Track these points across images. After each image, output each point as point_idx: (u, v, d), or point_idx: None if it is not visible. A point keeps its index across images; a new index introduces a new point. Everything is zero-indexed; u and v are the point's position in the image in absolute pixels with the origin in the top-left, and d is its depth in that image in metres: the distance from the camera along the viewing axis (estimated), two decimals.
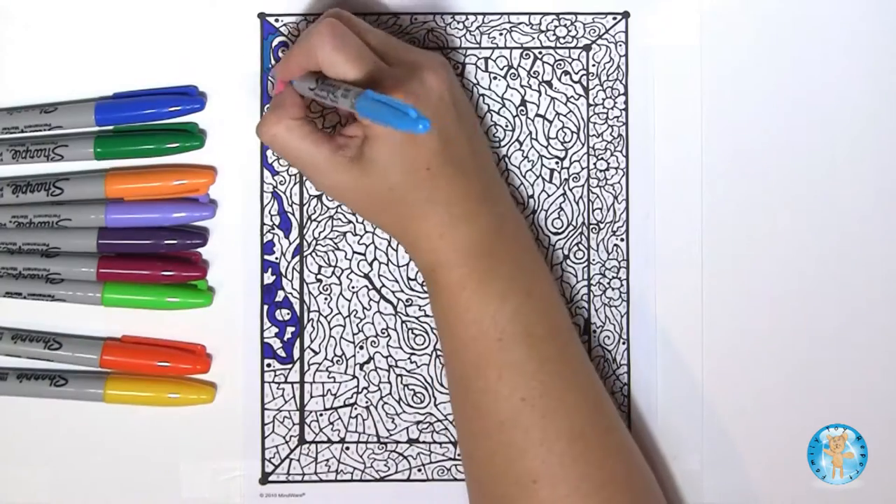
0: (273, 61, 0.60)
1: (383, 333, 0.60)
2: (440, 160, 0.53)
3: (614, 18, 0.60)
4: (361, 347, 0.60)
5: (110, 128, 0.59)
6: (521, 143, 0.60)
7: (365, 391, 0.60)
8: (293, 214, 0.60)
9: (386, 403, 0.60)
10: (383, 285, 0.60)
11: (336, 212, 0.60)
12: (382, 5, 0.60)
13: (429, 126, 0.46)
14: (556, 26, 0.60)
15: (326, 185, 0.55)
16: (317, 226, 0.60)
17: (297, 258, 0.60)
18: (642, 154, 0.60)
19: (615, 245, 0.60)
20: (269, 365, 0.60)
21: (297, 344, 0.60)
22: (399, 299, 0.60)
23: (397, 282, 0.60)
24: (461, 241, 0.54)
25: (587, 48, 0.60)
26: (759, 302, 0.60)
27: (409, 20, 0.60)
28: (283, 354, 0.60)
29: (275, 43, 0.60)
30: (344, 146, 0.54)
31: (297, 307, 0.60)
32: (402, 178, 0.53)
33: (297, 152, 0.54)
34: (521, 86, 0.60)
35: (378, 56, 0.54)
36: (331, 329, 0.60)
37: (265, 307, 0.60)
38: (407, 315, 0.60)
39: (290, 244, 0.60)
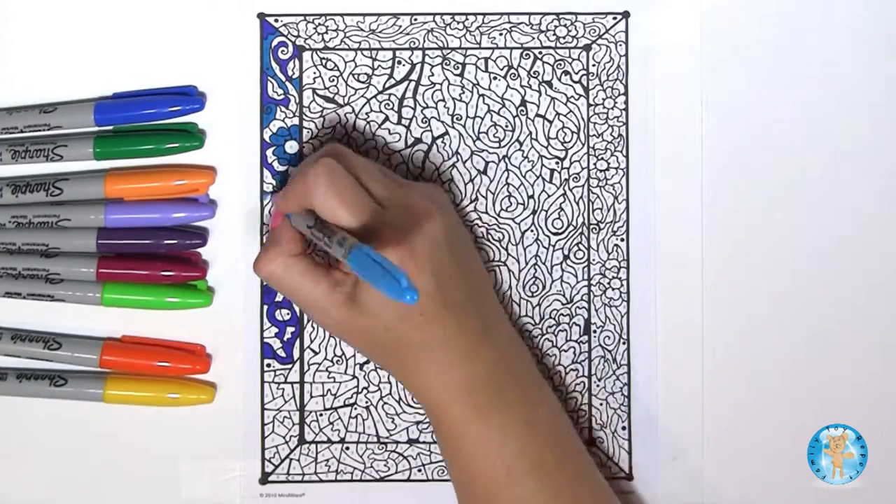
0: (273, 62, 0.60)
1: None
2: (435, 304, 0.53)
3: (614, 18, 0.60)
4: None
5: (110, 128, 0.59)
6: (521, 144, 0.60)
7: (365, 391, 0.60)
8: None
9: (386, 403, 0.60)
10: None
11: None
12: (383, 5, 0.60)
13: (416, 298, 0.45)
14: (556, 26, 0.60)
15: (324, 322, 0.55)
16: None
17: None
18: (642, 154, 0.60)
19: (615, 245, 0.60)
20: (268, 365, 0.60)
21: (297, 344, 0.60)
22: None
23: None
24: (459, 381, 0.54)
25: (587, 48, 0.60)
26: (760, 302, 0.60)
27: (409, 20, 0.60)
28: (283, 354, 0.60)
29: (274, 43, 0.60)
30: (341, 283, 0.54)
31: (296, 307, 0.60)
32: (395, 322, 0.53)
33: (294, 289, 0.54)
34: (521, 86, 0.60)
35: (374, 196, 0.54)
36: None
37: (265, 307, 0.60)
38: None
39: None
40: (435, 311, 0.53)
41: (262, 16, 0.60)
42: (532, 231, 0.60)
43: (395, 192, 0.54)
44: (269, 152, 0.60)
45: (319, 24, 0.60)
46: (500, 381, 0.54)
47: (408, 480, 0.60)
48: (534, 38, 0.60)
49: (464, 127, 0.60)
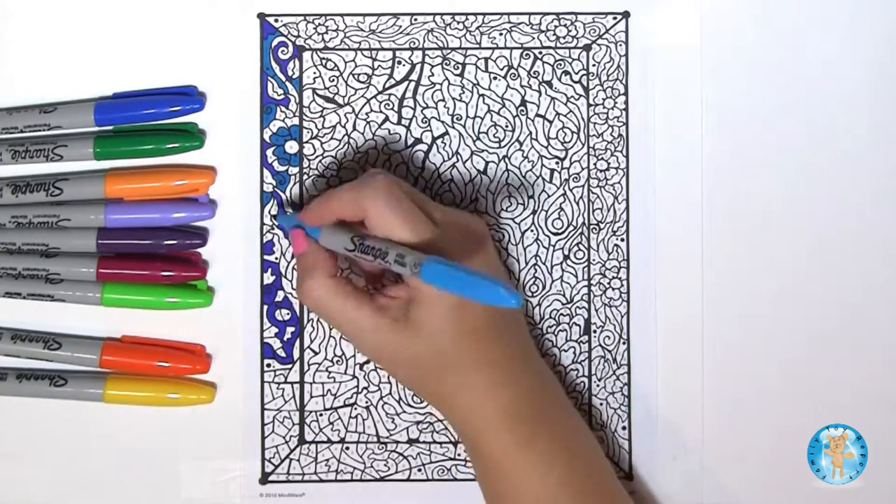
0: (273, 62, 0.60)
1: None
2: (486, 322, 0.53)
3: (614, 18, 0.60)
4: None
5: (110, 128, 0.59)
6: (521, 144, 0.60)
7: (365, 391, 0.60)
8: (293, 214, 0.60)
9: (386, 403, 0.60)
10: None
11: None
12: (383, 5, 0.60)
13: (522, 301, 0.45)
14: (556, 26, 0.60)
15: (369, 348, 0.55)
16: None
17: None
18: (642, 154, 0.60)
19: (615, 245, 0.60)
20: (268, 365, 0.60)
21: (297, 344, 0.60)
22: None
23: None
24: (504, 404, 0.53)
25: (587, 48, 0.60)
26: (760, 302, 0.60)
27: (409, 20, 0.60)
28: (283, 354, 0.60)
29: (274, 43, 0.60)
30: (386, 307, 0.53)
31: (296, 307, 0.60)
32: (451, 342, 0.52)
33: (339, 314, 0.53)
34: (521, 86, 0.60)
35: (428, 215, 0.53)
36: (331, 329, 0.60)
37: (265, 307, 0.60)
38: None
39: (290, 244, 0.60)
40: (486, 329, 0.53)
41: (262, 16, 0.60)
42: (532, 231, 0.60)
43: (446, 213, 0.55)
44: (269, 152, 0.60)
45: (319, 24, 0.60)
46: (541, 407, 0.54)
47: (408, 480, 0.60)
48: (534, 38, 0.60)
49: (464, 127, 0.60)
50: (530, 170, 0.60)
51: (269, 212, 0.59)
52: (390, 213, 0.52)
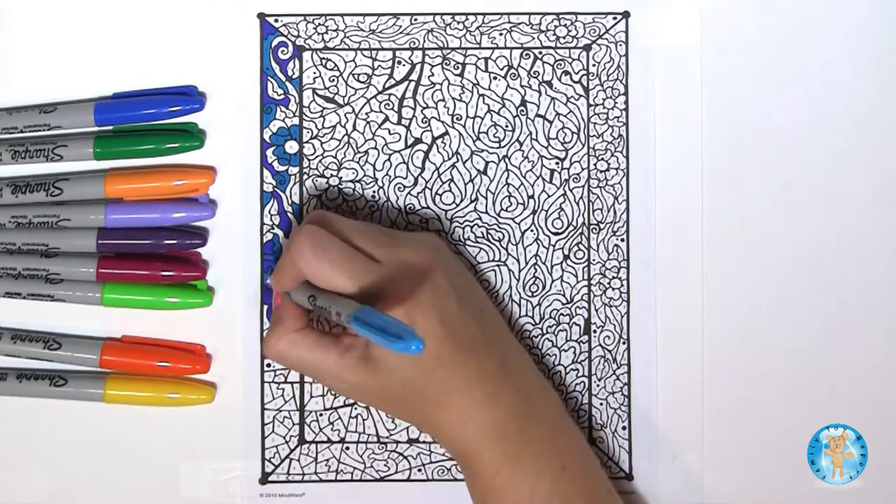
0: (273, 62, 0.60)
1: None
2: (449, 348, 0.53)
3: (614, 18, 0.60)
4: None
5: (110, 128, 0.59)
6: (521, 144, 0.60)
7: None
8: (293, 214, 0.60)
9: None
10: None
11: (336, 212, 0.60)
12: (383, 5, 0.60)
13: (422, 347, 0.45)
14: (556, 26, 0.60)
15: (341, 389, 0.55)
16: None
17: None
18: (642, 154, 0.60)
19: (615, 245, 0.60)
20: (268, 365, 0.60)
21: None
22: None
23: None
24: (486, 425, 0.53)
25: (587, 48, 0.60)
26: (760, 302, 0.60)
27: (409, 20, 0.60)
28: None
29: (274, 43, 0.60)
30: (351, 346, 0.53)
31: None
32: (412, 373, 0.52)
33: (305, 363, 0.54)
34: (521, 86, 0.60)
35: (367, 254, 0.53)
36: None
37: (265, 307, 0.60)
38: None
39: None
40: (449, 355, 0.53)
41: (262, 16, 0.60)
42: (532, 231, 0.60)
43: (387, 246, 0.54)
44: (269, 152, 0.60)
45: (319, 24, 0.60)
46: (530, 425, 0.54)
47: (408, 480, 0.60)
48: (534, 38, 0.60)
49: (464, 127, 0.60)
50: (530, 170, 0.60)
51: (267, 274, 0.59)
52: (320, 264, 0.52)
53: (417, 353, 0.46)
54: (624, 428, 0.60)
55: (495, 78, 0.60)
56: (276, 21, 0.60)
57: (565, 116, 0.60)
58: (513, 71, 0.60)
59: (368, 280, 0.52)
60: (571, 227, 0.60)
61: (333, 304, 0.51)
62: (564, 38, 0.60)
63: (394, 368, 0.52)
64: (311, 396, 0.60)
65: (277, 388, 0.60)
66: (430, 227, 0.60)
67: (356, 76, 0.60)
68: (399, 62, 0.60)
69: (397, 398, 0.54)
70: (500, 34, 0.60)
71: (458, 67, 0.60)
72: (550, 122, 0.60)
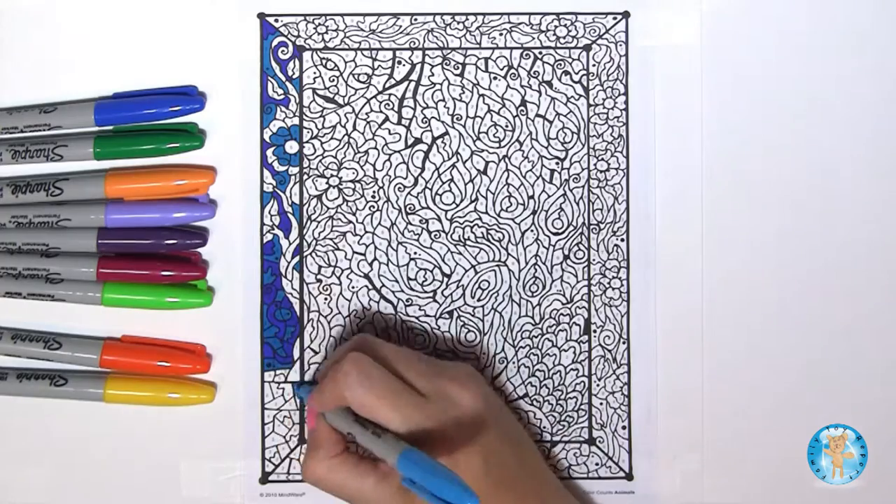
0: (273, 62, 0.60)
1: (383, 333, 0.60)
2: (488, 484, 0.52)
3: (614, 18, 0.60)
4: None
5: (110, 128, 0.59)
6: (521, 144, 0.60)
7: None
8: (293, 214, 0.60)
9: None
10: (383, 285, 0.60)
11: (336, 212, 0.60)
12: (383, 5, 0.60)
13: (477, 502, 0.46)
14: (556, 26, 0.60)
15: None
16: (317, 226, 0.60)
17: (297, 258, 0.60)
18: (642, 154, 0.60)
19: (615, 245, 0.60)
20: (269, 365, 0.60)
21: (297, 344, 0.60)
22: (399, 299, 0.60)
23: (397, 282, 0.60)
24: None
25: (587, 48, 0.60)
26: (760, 302, 0.60)
27: (409, 20, 0.60)
28: (283, 354, 0.60)
29: (274, 43, 0.60)
30: (389, 474, 0.53)
31: (296, 307, 0.60)
32: None
33: (343, 489, 0.54)
34: (521, 86, 0.60)
35: (411, 385, 0.53)
36: (331, 329, 0.60)
37: (265, 307, 0.60)
38: (407, 315, 0.60)
39: (290, 244, 0.60)
40: (490, 493, 0.52)
41: (262, 16, 0.60)
42: (532, 231, 0.60)
43: (430, 377, 0.54)
44: (269, 152, 0.60)
45: (319, 24, 0.60)
46: None
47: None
48: (534, 38, 0.60)
49: (464, 127, 0.60)
50: (530, 170, 0.60)
51: (293, 385, 0.59)
52: (365, 394, 0.52)
53: None
54: (624, 428, 0.60)
55: (495, 78, 0.60)
56: (276, 21, 0.60)
57: (565, 116, 0.60)
58: (513, 71, 0.60)
59: (413, 415, 0.52)
60: (571, 227, 0.60)
61: (380, 436, 0.51)
62: (564, 38, 0.60)
63: None
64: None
65: (277, 388, 0.60)
66: (429, 228, 0.60)
67: (356, 76, 0.60)
68: (399, 62, 0.60)
69: None
70: (500, 34, 0.60)
71: (458, 67, 0.60)
72: (550, 122, 0.60)
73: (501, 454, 0.53)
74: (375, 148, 0.60)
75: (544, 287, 0.60)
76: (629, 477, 0.60)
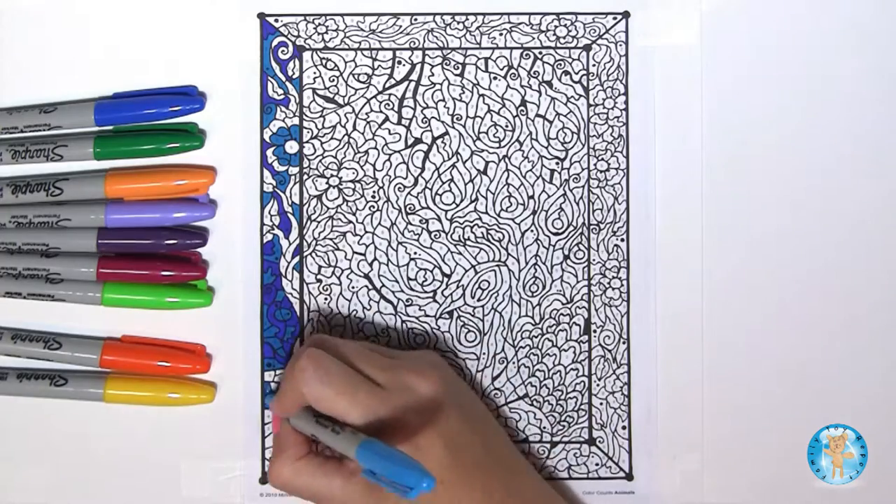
0: (273, 62, 0.60)
1: (383, 333, 0.60)
2: (452, 472, 0.52)
3: (614, 18, 0.60)
4: None
5: (110, 128, 0.59)
6: (521, 144, 0.60)
7: None
8: (293, 214, 0.60)
9: None
10: (383, 285, 0.60)
11: (336, 212, 0.60)
12: (383, 5, 0.60)
13: (433, 485, 0.46)
14: (556, 26, 0.60)
15: None
16: (317, 226, 0.60)
17: (297, 258, 0.60)
18: (642, 154, 0.60)
19: (615, 245, 0.60)
20: (269, 365, 0.60)
21: (297, 344, 0.60)
22: (399, 299, 0.60)
23: (397, 282, 0.60)
24: None
25: (587, 48, 0.60)
26: (760, 302, 0.60)
27: (409, 20, 0.60)
28: (283, 354, 0.60)
29: (274, 43, 0.60)
30: (355, 472, 0.53)
31: (297, 307, 0.60)
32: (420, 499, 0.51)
33: (310, 490, 0.54)
34: (521, 86, 0.60)
35: (370, 378, 0.53)
36: (331, 329, 0.60)
37: (265, 307, 0.60)
38: (407, 315, 0.60)
39: (290, 244, 0.60)
40: (455, 479, 0.52)
41: (262, 16, 0.60)
42: (532, 231, 0.60)
43: (389, 369, 0.54)
44: (269, 152, 0.60)
45: (319, 24, 0.60)
46: None
47: None
48: (534, 38, 0.60)
49: (464, 127, 0.60)
50: (530, 170, 0.60)
51: (266, 396, 0.59)
52: (323, 389, 0.52)
53: (428, 490, 0.46)
54: (624, 428, 0.60)
55: (495, 78, 0.60)
56: (276, 21, 0.60)
57: (565, 116, 0.60)
58: (513, 71, 0.60)
59: (372, 406, 0.52)
60: (571, 227, 0.60)
61: (338, 440, 0.51)
62: (564, 38, 0.60)
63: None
64: None
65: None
66: (429, 228, 0.60)
67: (356, 76, 0.60)
68: (399, 62, 0.60)
69: None
70: (500, 34, 0.60)
71: (458, 67, 0.60)
72: (550, 122, 0.60)
73: (463, 438, 0.53)
74: (375, 148, 0.60)
75: (544, 287, 0.60)
76: (629, 477, 0.60)
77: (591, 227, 0.60)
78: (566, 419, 0.60)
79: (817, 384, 0.60)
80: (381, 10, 0.60)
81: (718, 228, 0.60)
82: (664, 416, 0.60)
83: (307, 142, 0.60)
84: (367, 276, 0.60)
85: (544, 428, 0.60)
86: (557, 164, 0.60)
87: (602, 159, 0.60)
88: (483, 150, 0.60)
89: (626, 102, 0.60)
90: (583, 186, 0.60)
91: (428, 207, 0.60)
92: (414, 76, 0.60)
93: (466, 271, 0.60)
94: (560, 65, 0.60)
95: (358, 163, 0.60)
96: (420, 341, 0.60)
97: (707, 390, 0.60)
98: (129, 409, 0.59)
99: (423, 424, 0.52)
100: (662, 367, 0.60)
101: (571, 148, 0.60)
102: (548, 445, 0.60)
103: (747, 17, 0.60)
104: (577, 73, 0.60)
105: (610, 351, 0.60)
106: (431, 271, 0.60)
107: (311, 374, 0.52)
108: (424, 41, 0.60)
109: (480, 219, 0.60)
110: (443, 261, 0.60)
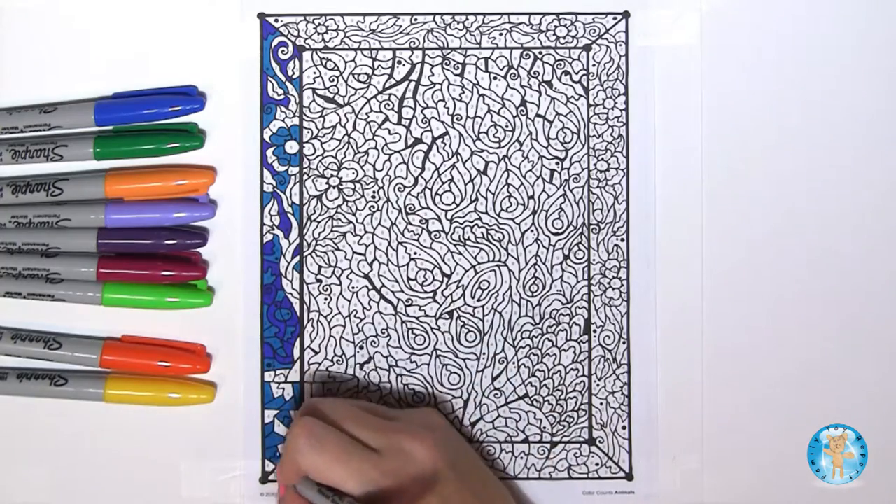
0: (273, 62, 0.60)
1: (383, 333, 0.60)
2: None
3: (614, 18, 0.60)
4: (361, 347, 0.60)
5: (110, 128, 0.59)
6: (521, 144, 0.60)
7: (365, 391, 0.60)
8: (293, 214, 0.60)
9: (386, 403, 0.60)
10: (383, 285, 0.60)
11: (336, 212, 0.60)
12: (383, 5, 0.60)
13: None
14: (556, 26, 0.60)
15: None
16: (317, 226, 0.60)
17: (297, 258, 0.60)
18: (642, 154, 0.60)
19: (615, 245, 0.60)
20: (269, 365, 0.60)
21: (297, 344, 0.60)
22: (399, 299, 0.60)
23: (397, 282, 0.60)
24: None
25: (587, 48, 0.60)
26: (760, 302, 0.60)
27: (409, 20, 0.60)
28: (283, 354, 0.60)
29: (274, 43, 0.60)
30: None
31: (297, 307, 0.60)
32: None
33: None
34: (521, 86, 0.60)
35: (364, 443, 0.53)
36: (331, 329, 0.60)
37: (265, 307, 0.60)
38: (407, 315, 0.60)
39: (290, 244, 0.60)
40: None
41: (262, 16, 0.60)
42: (532, 231, 0.60)
43: (384, 432, 0.54)
44: (269, 152, 0.60)
45: (319, 24, 0.60)
46: None
47: None
48: (534, 38, 0.60)
49: (464, 127, 0.60)
50: (530, 170, 0.60)
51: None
52: (316, 459, 0.52)
53: None
54: (624, 428, 0.60)
55: (495, 78, 0.60)
56: (276, 21, 0.60)
57: (565, 116, 0.60)
58: (513, 71, 0.60)
59: (367, 472, 0.52)
60: (571, 227, 0.60)
61: (340, 500, 0.51)
62: (564, 38, 0.60)
63: None
64: (311, 396, 0.60)
65: (277, 388, 0.60)
66: (429, 228, 0.60)
67: (356, 76, 0.60)
68: (399, 62, 0.60)
69: None
70: (500, 34, 0.60)
71: (458, 67, 0.60)
72: (550, 122, 0.60)
73: (462, 502, 0.53)
74: (375, 148, 0.60)
75: (544, 287, 0.60)
76: (629, 477, 0.60)
77: (591, 227, 0.60)
78: (566, 419, 0.60)
79: (817, 384, 0.60)
80: (381, 10, 0.60)
81: (718, 228, 0.60)
82: (664, 416, 0.60)
83: (307, 142, 0.60)
84: (367, 277, 0.60)
85: (544, 428, 0.60)
86: (557, 164, 0.60)
87: (602, 159, 0.60)
88: (483, 150, 0.60)
89: (626, 102, 0.60)
90: (583, 186, 0.60)
91: (428, 207, 0.60)
92: (414, 76, 0.60)
93: (466, 271, 0.60)
94: (560, 65, 0.60)
95: (358, 163, 0.60)
96: (420, 342, 0.60)
97: (707, 390, 0.60)
98: (129, 409, 0.59)
99: (421, 490, 0.52)
100: (662, 367, 0.60)
101: (571, 148, 0.60)
102: (548, 445, 0.60)
103: (747, 17, 0.60)
104: (577, 73, 0.60)
105: (610, 351, 0.60)
106: (431, 271, 0.60)
107: (305, 443, 0.52)
108: (424, 41, 0.60)
109: (480, 219, 0.60)
110: (443, 261, 0.60)
